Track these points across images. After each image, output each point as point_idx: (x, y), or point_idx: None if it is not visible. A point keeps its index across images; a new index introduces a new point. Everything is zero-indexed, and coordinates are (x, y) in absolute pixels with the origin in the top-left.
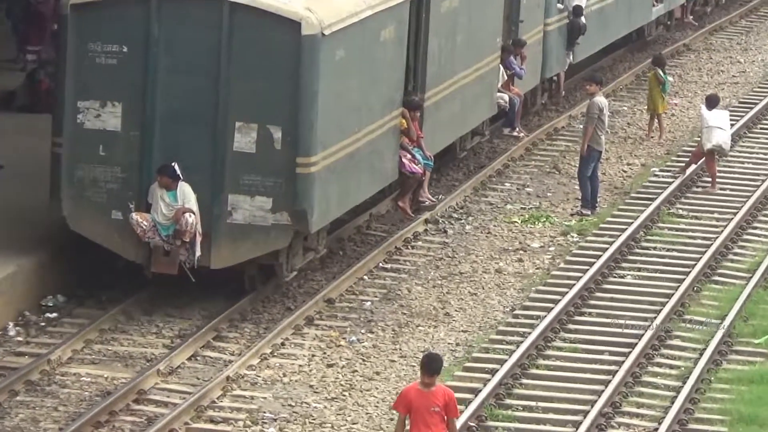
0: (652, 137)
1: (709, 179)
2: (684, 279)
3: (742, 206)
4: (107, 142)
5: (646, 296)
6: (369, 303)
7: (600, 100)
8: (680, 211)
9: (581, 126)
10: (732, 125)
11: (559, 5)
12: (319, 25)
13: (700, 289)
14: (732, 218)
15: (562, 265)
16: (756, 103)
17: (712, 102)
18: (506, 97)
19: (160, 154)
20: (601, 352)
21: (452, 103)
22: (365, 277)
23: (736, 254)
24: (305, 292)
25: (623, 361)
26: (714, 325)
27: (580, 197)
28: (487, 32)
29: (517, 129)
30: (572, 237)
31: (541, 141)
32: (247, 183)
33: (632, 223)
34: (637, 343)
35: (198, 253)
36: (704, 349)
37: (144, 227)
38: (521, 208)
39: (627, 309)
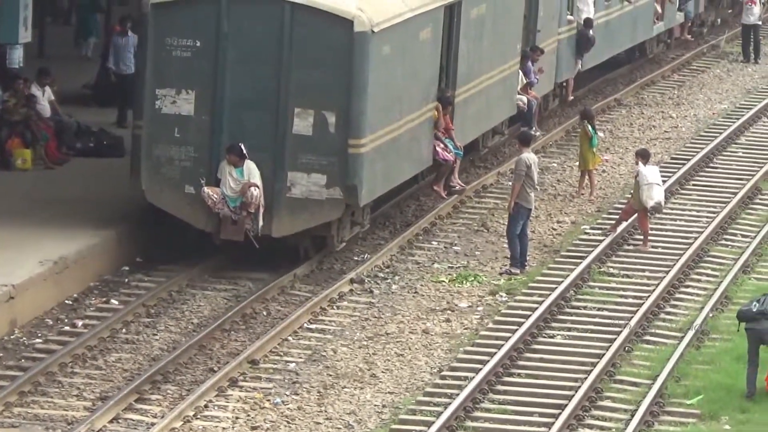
0: (582, 194)
1: (641, 237)
2: (615, 338)
3: (675, 264)
4: (182, 125)
5: (577, 356)
6: (294, 364)
7: (528, 156)
8: (611, 270)
9: (510, 183)
10: (664, 182)
11: (569, 17)
12: (369, 23)
13: (632, 348)
14: (664, 276)
15: (490, 325)
16: (688, 159)
17: (646, 157)
18: (525, 99)
19: (228, 136)
20: (531, 414)
21: (478, 101)
22: (290, 337)
23: (668, 313)
24: (228, 353)
25: (553, 423)
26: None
27: (509, 256)
28: (509, 39)
29: (534, 128)
30: (501, 296)
31: (469, 198)
32: (304, 162)
33: (562, 281)
34: (567, 404)
35: (261, 222)
36: (636, 410)
37: (214, 199)
38: (449, 267)
39: (557, 369)
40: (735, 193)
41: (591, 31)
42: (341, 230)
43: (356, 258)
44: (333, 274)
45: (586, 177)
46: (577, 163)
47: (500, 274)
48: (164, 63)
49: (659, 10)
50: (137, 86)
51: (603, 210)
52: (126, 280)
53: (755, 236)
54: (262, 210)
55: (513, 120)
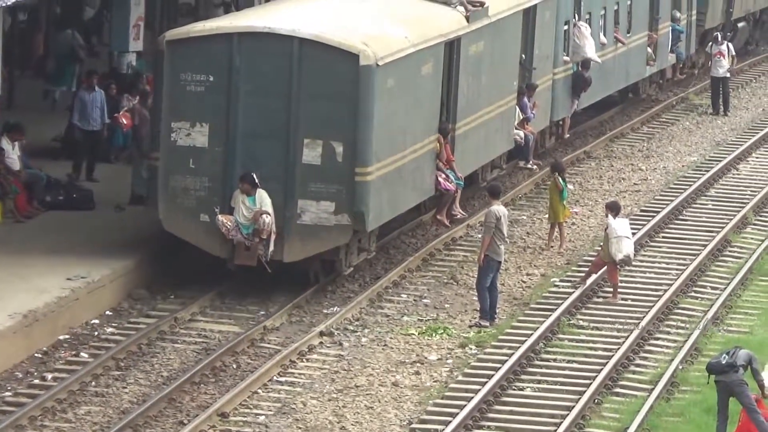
0: (552, 247)
1: (611, 289)
2: (585, 391)
3: (644, 316)
4: (196, 157)
5: (546, 408)
6: (263, 417)
7: (498, 209)
8: (581, 322)
9: (479, 236)
10: (634, 234)
11: (565, 58)
12: (374, 57)
13: (601, 401)
14: (634, 329)
15: (460, 377)
16: (658, 212)
17: (615, 210)
18: (522, 133)
19: (240, 166)
20: None
21: (478, 134)
22: (259, 390)
23: (638, 365)
24: (198, 406)
25: None
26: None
27: (478, 308)
28: (506, 75)
29: (531, 162)
30: (471, 349)
31: (438, 251)
32: (313, 190)
33: (532, 334)
34: None
35: (272, 248)
36: None
37: (228, 227)
38: (418, 319)
39: (526, 422)
40: (704, 246)
41: (588, 73)
42: (349, 255)
43: (326, 311)
44: (302, 327)
45: (556, 229)
46: (547, 216)
47: (470, 326)
48: (179, 97)
49: (651, 52)
50: (154, 119)
51: (573, 262)
52: (96, 332)
53: (725, 288)
54: (273, 236)
55: (511, 155)
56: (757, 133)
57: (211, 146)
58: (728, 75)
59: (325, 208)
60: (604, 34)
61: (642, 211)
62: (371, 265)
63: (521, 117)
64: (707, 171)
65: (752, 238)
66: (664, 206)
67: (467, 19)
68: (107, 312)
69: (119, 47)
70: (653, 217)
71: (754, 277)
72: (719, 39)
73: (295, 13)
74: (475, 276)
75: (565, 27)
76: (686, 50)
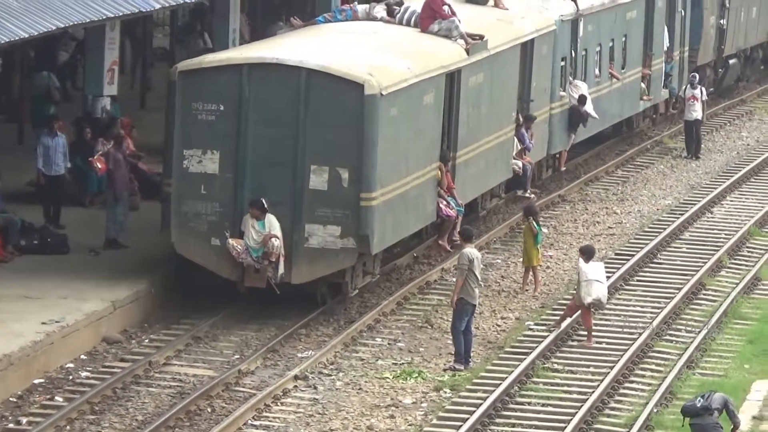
0: (526, 290)
1: (585, 333)
2: None
3: (619, 360)
4: (207, 183)
5: None
6: None
7: (471, 251)
8: (555, 366)
9: (454, 279)
10: (608, 278)
11: (562, 93)
12: (378, 87)
13: None
14: (608, 372)
15: (434, 421)
16: (632, 255)
17: (588, 254)
18: (520, 163)
19: (250, 192)
20: None
21: (478, 163)
22: None
23: (612, 409)
24: None
25: None
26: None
27: (453, 352)
28: (505, 106)
29: (529, 191)
30: (445, 392)
31: (413, 295)
32: (320, 214)
33: (506, 377)
34: None
35: (281, 270)
36: None
37: (238, 250)
38: (393, 363)
39: None
40: (679, 289)
41: (584, 107)
42: (355, 278)
43: (300, 354)
44: (277, 371)
45: (530, 273)
46: (521, 259)
47: (444, 370)
48: (191, 126)
49: (645, 87)
50: (167, 147)
51: (547, 306)
52: (71, 376)
53: (699, 331)
54: (282, 259)
55: (509, 184)
56: (732, 176)
57: (222, 173)
58: (701, 119)
59: (332, 232)
60: (599, 70)
61: (616, 254)
62: (346, 308)
63: (519, 147)
64: (682, 214)
65: (727, 282)
66: (639, 249)
67: (467, 51)
68: (82, 356)
69: (93, 91)
70: (628, 260)
71: (729, 321)
72: (693, 83)
73: (303, 45)
74: (450, 319)
75: (562, 63)
76: (678, 86)
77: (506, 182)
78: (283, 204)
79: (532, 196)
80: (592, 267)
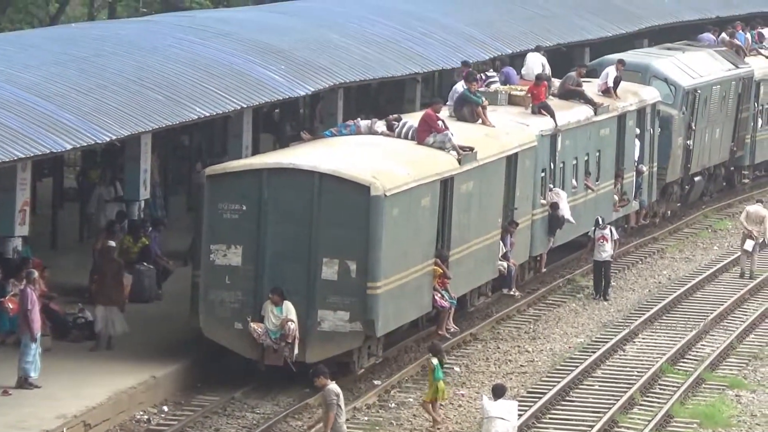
0: (439, 429)
1: None
2: None
3: None
4: (231, 274)
5: None
6: None
7: (334, 387)
8: None
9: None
10: (520, 416)
11: (542, 201)
12: (382, 189)
13: None
14: None
15: None
16: (544, 393)
17: (497, 392)
18: (505, 264)
19: (269, 282)
20: None
21: (468, 262)
22: None
23: None
24: None
25: None
26: None
27: None
28: (492, 212)
29: (514, 290)
30: None
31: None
32: (331, 301)
33: None
34: None
35: (297, 351)
36: None
37: (259, 333)
38: None
39: None
40: (591, 427)
41: (560, 211)
42: (361, 358)
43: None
44: None
45: (438, 407)
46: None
47: None
48: (217, 223)
49: (617, 198)
50: (195, 242)
51: None
52: None
53: None
54: (297, 341)
55: (495, 284)
56: (643, 314)
57: (244, 265)
58: (610, 259)
59: (341, 317)
60: (576, 180)
61: (528, 392)
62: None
63: (504, 250)
64: (594, 352)
65: (639, 419)
66: (551, 387)
67: (459, 161)
68: None
69: (5, 232)
70: (540, 398)
71: None
72: (601, 223)
73: (315, 153)
74: None
75: (542, 174)
76: (648, 198)
77: (492, 282)
78: (299, 292)
79: (517, 294)
80: (498, 405)
